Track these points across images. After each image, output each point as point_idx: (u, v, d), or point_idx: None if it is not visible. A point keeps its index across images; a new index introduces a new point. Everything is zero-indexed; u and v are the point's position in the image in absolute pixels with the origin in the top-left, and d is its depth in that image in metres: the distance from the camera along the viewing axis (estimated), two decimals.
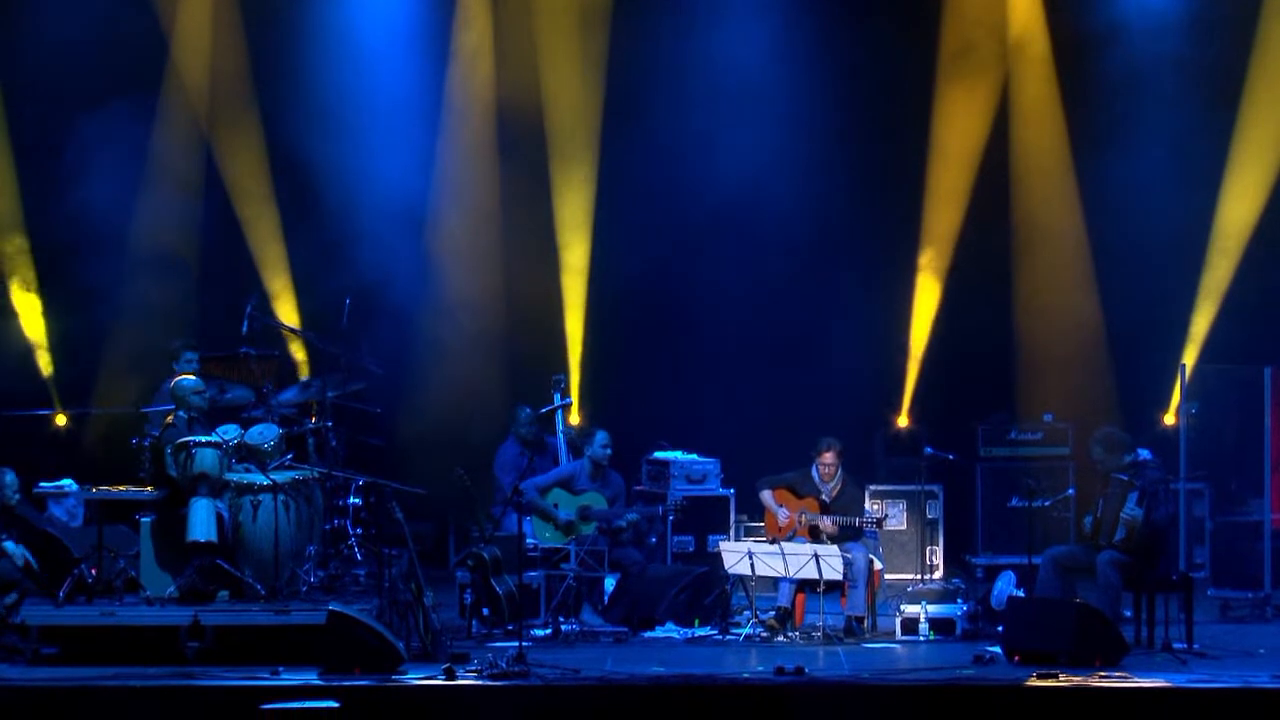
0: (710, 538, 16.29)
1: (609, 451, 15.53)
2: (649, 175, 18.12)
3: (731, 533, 16.38)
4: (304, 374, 17.79)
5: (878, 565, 15.30)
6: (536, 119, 18.43)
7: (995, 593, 14.92)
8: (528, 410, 16.53)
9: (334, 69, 18.02)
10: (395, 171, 17.86)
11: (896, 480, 17.22)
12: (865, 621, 14.88)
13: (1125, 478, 14.33)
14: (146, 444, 14.28)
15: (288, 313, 18.12)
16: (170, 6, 18.20)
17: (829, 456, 15.20)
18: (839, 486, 15.25)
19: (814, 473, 15.28)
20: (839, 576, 14.58)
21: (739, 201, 18.04)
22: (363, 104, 18.03)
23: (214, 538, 13.79)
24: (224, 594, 13.83)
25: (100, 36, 17.62)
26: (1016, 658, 13.45)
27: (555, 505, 15.40)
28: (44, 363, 18.05)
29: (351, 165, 17.78)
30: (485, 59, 18.53)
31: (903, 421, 18.26)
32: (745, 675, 12.97)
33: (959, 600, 14.95)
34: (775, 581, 14.93)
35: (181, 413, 14.41)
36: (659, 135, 18.09)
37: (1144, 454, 14.65)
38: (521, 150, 18.40)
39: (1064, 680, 12.66)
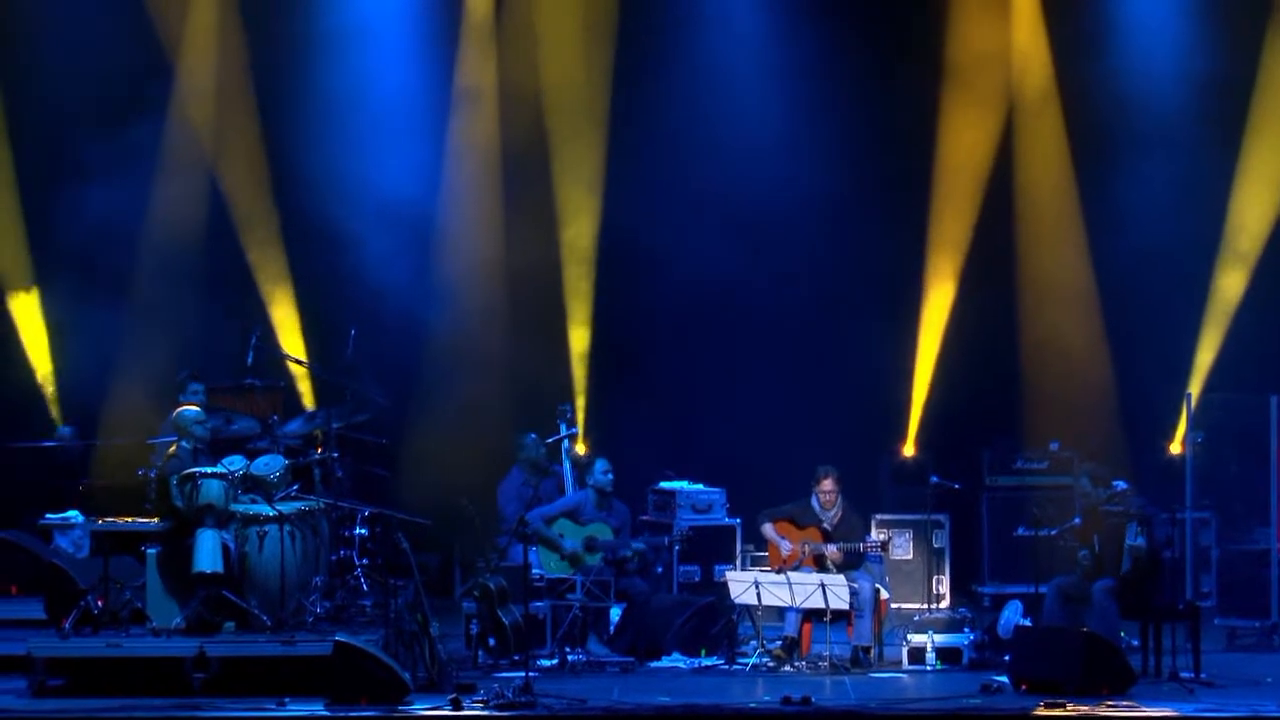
0: (716, 567, 16.30)
1: (610, 477, 15.51)
2: (653, 196, 18.11)
3: (738, 562, 16.36)
4: (309, 405, 17.79)
5: (884, 595, 15.26)
6: (541, 140, 18.47)
7: (1002, 622, 14.89)
8: (532, 437, 16.50)
9: (337, 80, 18.02)
10: (401, 189, 17.85)
11: (902, 509, 17.17)
12: (872, 651, 14.83)
13: (1118, 509, 14.38)
14: (153, 475, 14.27)
15: (293, 342, 18.13)
16: (175, 33, 18.24)
17: (827, 484, 15.18)
18: (840, 514, 15.21)
19: (814, 502, 15.25)
20: (845, 606, 14.54)
21: (744, 232, 18.04)
22: (371, 123, 18.03)
23: (220, 569, 13.76)
24: (230, 625, 13.79)
25: (103, 67, 17.71)
26: (1024, 687, 13.41)
27: (561, 535, 15.38)
28: (50, 394, 18.05)
29: (356, 182, 17.78)
30: (490, 71, 18.56)
31: (909, 450, 18.23)
32: (752, 705, 12.94)
33: (966, 629, 14.91)
34: (781, 611, 14.91)
35: (185, 443, 14.40)
36: (665, 156, 18.13)
37: (1120, 485, 14.70)
38: (528, 171, 18.45)
39: (1071, 710, 12.63)
